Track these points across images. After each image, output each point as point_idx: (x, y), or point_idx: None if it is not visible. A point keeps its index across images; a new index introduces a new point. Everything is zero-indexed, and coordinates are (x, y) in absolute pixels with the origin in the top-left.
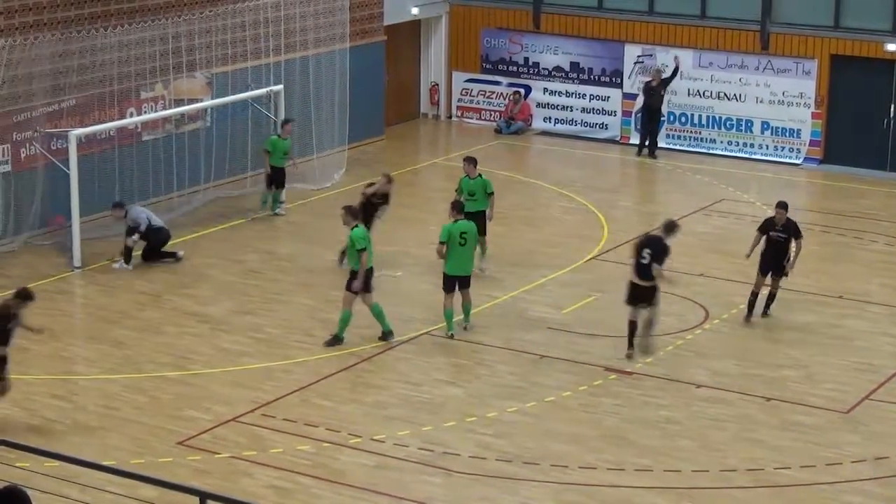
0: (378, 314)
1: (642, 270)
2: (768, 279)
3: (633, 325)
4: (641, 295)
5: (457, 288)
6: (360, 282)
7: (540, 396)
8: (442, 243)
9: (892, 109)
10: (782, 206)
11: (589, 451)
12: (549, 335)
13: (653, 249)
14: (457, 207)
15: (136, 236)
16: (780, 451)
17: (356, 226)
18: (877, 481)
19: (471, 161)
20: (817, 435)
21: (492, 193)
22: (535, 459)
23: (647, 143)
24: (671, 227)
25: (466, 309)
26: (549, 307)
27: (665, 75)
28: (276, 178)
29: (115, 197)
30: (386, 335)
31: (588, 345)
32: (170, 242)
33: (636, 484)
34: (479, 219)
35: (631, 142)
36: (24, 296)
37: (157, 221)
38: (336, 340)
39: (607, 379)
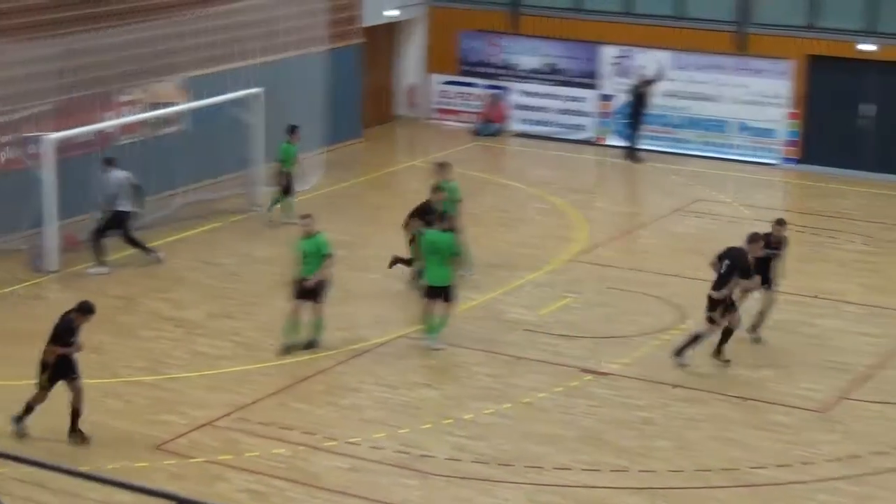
0: (318, 326)
1: (717, 281)
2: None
3: (727, 332)
4: (712, 307)
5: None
6: (314, 282)
7: (516, 398)
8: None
9: (866, 109)
10: (781, 223)
11: (565, 452)
12: (525, 337)
13: (732, 261)
14: (437, 217)
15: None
16: (756, 451)
17: (318, 232)
18: (850, 480)
19: (440, 166)
20: (793, 434)
21: (459, 201)
22: (511, 461)
23: (633, 146)
24: (755, 238)
25: (436, 320)
26: (525, 309)
27: (650, 77)
28: (288, 185)
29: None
30: (311, 343)
31: (565, 346)
32: (149, 245)
33: (612, 484)
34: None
35: (610, 143)
36: (87, 309)
37: (124, 204)
38: (311, 345)
39: (584, 380)
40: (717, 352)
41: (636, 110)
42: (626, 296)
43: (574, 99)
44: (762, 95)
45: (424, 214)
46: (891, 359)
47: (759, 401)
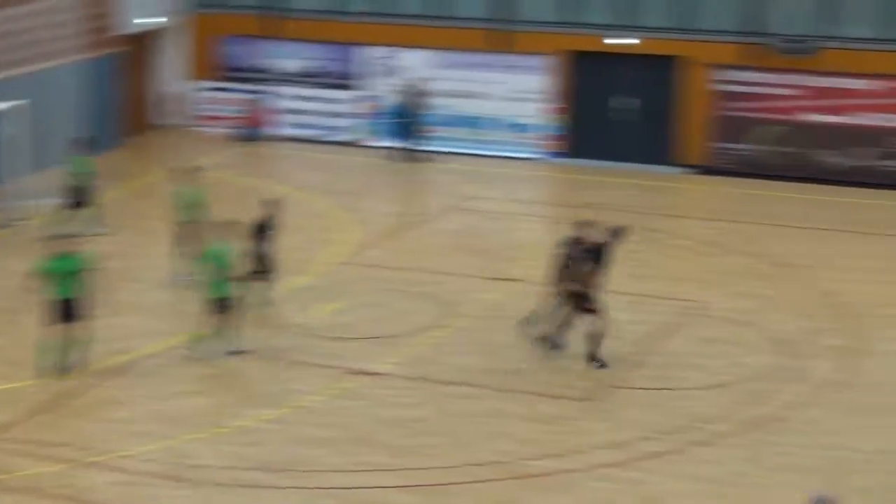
0: (85, 342)
1: (582, 279)
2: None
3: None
4: (578, 301)
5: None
6: (93, 303)
7: (291, 402)
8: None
9: (628, 102)
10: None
11: (340, 455)
12: (298, 341)
13: (593, 256)
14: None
15: None
16: (529, 443)
17: (77, 250)
18: (621, 466)
19: (185, 171)
20: (565, 424)
21: (204, 206)
22: (287, 466)
23: (407, 147)
24: (616, 232)
25: (212, 329)
26: (297, 313)
27: (420, 87)
28: (82, 198)
29: None
30: (79, 360)
31: (338, 348)
32: None
33: (387, 484)
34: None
35: (374, 144)
36: None
37: None
38: (79, 361)
39: (357, 381)
40: (545, 338)
41: (409, 112)
42: (397, 295)
43: (337, 101)
44: (526, 91)
45: (262, 229)
46: (654, 345)
47: (530, 393)
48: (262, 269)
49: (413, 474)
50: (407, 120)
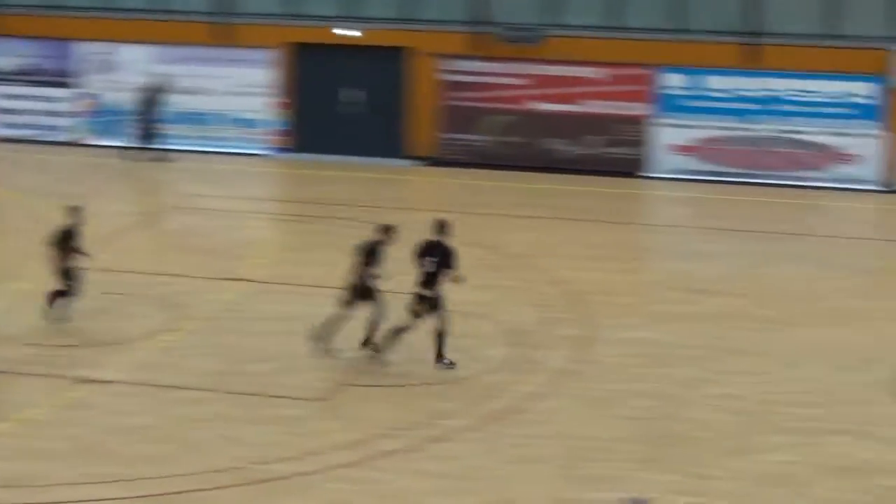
0: None
1: (428, 279)
2: None
3: (400, 330)
4: (428, 304)
5: None
6: None
7: (14, 415)
8: None
9: (354, 95)
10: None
11: (69, 467)
12: (18, 350)
13: (438, 255)
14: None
15: None
16: (262, 446)
17: None
18: (357, 466)
19: None
20: (299, 425)
21: None
22: (12, 482)
23: (139, 146)
24: (443, 226)
25: None
26: (13, 322)
27: (159, 84)
28: None
29: None
30: None
31: (62, 356)
32: None
33: (122, 495)
34: None
35: (93, 143)
36: None
37: None
38: None
39: (85, 390)
40: (439, 355)
41: (142, 110)
42: (123, 299)
43: (54, 99)
44: (248, 86)
45: (67, 240)
46: (389, 341)
47: (264, 395)
48: (69, 279)
49: (147, 483)
50: (140, 118)
